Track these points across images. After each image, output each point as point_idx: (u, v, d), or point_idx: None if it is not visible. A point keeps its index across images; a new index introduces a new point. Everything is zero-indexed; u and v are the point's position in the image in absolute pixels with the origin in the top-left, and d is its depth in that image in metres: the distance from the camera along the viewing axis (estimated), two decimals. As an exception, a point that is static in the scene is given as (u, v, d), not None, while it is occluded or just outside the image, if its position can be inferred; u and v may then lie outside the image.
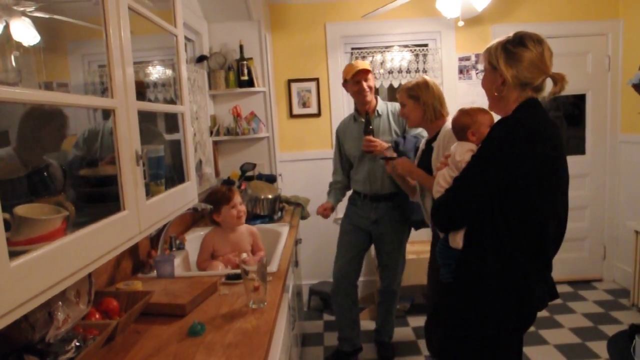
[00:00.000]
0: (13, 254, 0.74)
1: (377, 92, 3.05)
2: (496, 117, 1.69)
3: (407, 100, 2.37)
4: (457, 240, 1.59)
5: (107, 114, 1.22)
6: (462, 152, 1.61)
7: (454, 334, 1.65)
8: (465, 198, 1.54)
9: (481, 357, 1.61)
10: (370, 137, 2.65)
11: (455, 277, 1.61)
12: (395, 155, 2.47)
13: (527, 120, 1.47)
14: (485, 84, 1.64)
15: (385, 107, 2.86)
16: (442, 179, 1.65)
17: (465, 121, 1.71)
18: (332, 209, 3.02)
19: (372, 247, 3.08)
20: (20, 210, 0.84)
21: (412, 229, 2.92)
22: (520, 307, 1.54)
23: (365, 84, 2.75)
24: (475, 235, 1.54)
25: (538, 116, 1.51)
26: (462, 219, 1.56)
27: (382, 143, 2.65)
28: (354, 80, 2.77)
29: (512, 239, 1.48)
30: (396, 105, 2.85)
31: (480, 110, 1.73)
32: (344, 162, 3.01)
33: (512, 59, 1.52)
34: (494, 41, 1.60)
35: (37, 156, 1.01)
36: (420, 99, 2.31)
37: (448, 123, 2.20)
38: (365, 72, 2.74)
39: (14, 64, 0.97)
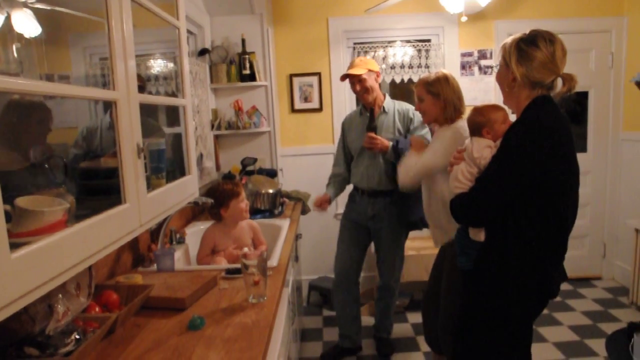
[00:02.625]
0: (14, 246, 0.74)
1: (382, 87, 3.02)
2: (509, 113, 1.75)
3: (425, 96, 2.28)
4: (479, 234, 1.65)
5: (106, 107, 1.22)
6: (480, 148, 1.64)
7: (474, 320, 1.73)
8: (492, 198, 1.57)
9: (499, 340, 1.69)
10: (372, 134, 2.64)
11: (477, 266, 1.67)
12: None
13: (546, 119, 1.52)
14: (499, 79, 1.69)
15: (392, 105, 2.84)
16: (462, 175, 1.67)
17: (479, 120, 1.74)
18: (330, 201, 2.97)
19: (373, 244, 3.08)
20: (22, 202, 0.83)
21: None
22: (539, 294, 1.64)
23: (358, 86, 2.75)
24: (498, 229, 1.60)
25: (551, 113, 1.55)
26: (488, 216, 1.61)
27: (383, 141, 2.64)
28: (350, 81, 2.79)
29: (533, 231, 1.55)
30: (404, 105, 2.85)
31: (492, 108, 1.76)
32: (347, 154, 3.00)
33: (523, 58, 1.55)
34: (511, 37, 1.63)
35: (22, 150, 0.99)
36: (441, 95, 2.23)
37: (447, 128, 2.21)
38: (353, 76, 2.74)
39: (15, 55, 0.97)
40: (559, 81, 1.59)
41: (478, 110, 1.78)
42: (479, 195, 1.61)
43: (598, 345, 3.01)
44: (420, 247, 3.64)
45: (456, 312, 1.86)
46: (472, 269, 1.69)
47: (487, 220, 1.63)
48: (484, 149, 1.63)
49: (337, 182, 3.03)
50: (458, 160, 1.73)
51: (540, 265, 1.60)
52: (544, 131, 1.49)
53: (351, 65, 2.79)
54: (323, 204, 2.94)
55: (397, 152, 2.61)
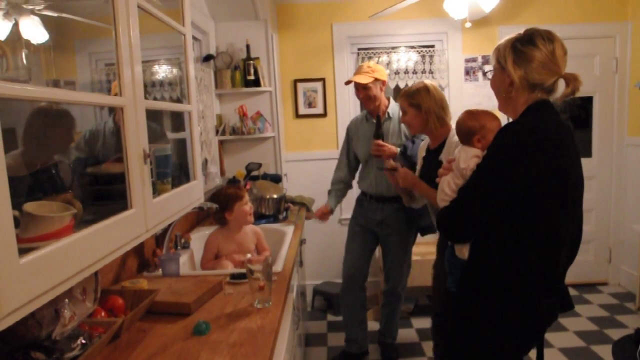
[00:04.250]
0: (22, 251, 0.74)
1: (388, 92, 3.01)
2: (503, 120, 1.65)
3: (408, 108, 2.26)
4: (464, 250, 1.52)
5: (110, 111, 1.23)
6: (467, 158, 1.52)
7: (455, 348, 1.56)
8: (474, 210, 1.42)
9: None
10: (380, 142, 2.62)
11: (459, 288, 1.53)
12: (396, 165, 2.37)
13: (537, 125, 1.37)
14: (494, 84, 1.55)
15: (397, 110, 2.82)
16: (447, 187, 1.54)
17: (472, 125, 1.60)
18: (331, 212, 3.01)
19: (378, 248, 3.07)
20: (30, 207, 0.84)
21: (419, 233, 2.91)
22: (525, 323, 1.44)
23: (361, 93, 2.76)
24: (480, 245, 1.45)
25: (548, 119, 1.40)
26: (471, 231, 1.46)
27: (391, 147, 2.63)
28: (354, 86, 2.80)
29: (518, 249, 1.39)
30: None
31: (488, 115, 1.63)
32: (351, 160, 3.01)
33: (521, 59, 1.42)
34: (505, 38, 1.50)
35: (45, 158, 1.01)
36: (422, 107, 2.20)
37: (453, 132, 2.13)
38: (357, 83, 2.74)
39: (24, 61, 0.98)
40: (561, 83, 1.45)
41: (472, 114, 1.64)
42: (460, 206, 1.46)
43: (604, 352, 2.99)
44: (425, 253, 3.63)
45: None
46: (455, 291, 1.55)
47: (469, 236, 1.47)
48: (471, 159, 1.50)
49: (339, 190, 3.05)
50: (447, 171, 1.59)
51: (526, 289, 1.42)
52: (533, 137, 1.34)
53: (358, 71, 2.79)
54: (323, 215, 2.98)
55: (406, 158, 2.60)
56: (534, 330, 1.49)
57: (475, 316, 1.48)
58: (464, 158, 1.52)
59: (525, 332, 1.47)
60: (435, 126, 2.21)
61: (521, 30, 1.49)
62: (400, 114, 2.78)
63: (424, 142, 2.42)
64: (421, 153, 2.38)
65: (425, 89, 2.22)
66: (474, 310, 1.48)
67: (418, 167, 2.37)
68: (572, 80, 1.42)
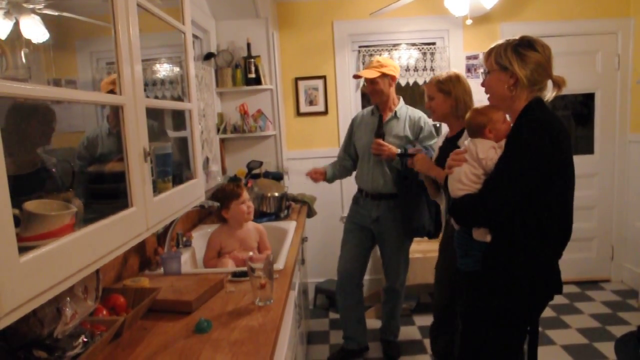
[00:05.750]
0: (22, 250, 0.74)
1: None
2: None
3: (436, 94, 2.33)
4: (485, 235, 1.65)
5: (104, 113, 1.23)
6: (485, 149, 1.63)
7: (482, 320, 1.72)
8: (507, 198, 1.58)
9: (507, 338, 1.71)
10: (380, 141, 2.65)
11: (485, 266, 1.68)
12: (417, 149, 2.47)
13: (552, 120, 1.57)
14: (493, 84, 1.69)
15: (405, 111, 2.84)
16: (465, 177, 1.65)
17: (482, 120, 1.72)
18: (323, 174, 3.00)
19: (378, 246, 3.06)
20: (30, 205, 0.84)
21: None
22: (547, 292, 1.68)
23: (369, 87, 2.81)
24: (506, 228, 1.61)
25: (552, 114, 1.61)
26: (500, 217, 1.61)
27: (391, 148, 2.64)
28: (365, 80, 2.83)
29: (541, 230, 1.59)
30: (416, 112, 2.85)
31: (492, 108, 1.75)
32: (351, 151, 3.02)
33: (524, 61, 1.61)
34: (499, 42, 1.68)
35: (28, 151, 0.99)
36: (452, 93, 2.29)
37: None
38: (366, 78, 2.78)
39: (24, 60, 0.98)
40: (549, 84, 1.67)
41: (479, 111, 1.77)
42: (494, 196, 1.60)
43: (607, 349, 2.99)
44: (427, 250, 3.63)
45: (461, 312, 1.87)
46: (478, 269, 1.70)
47: (499, 221, 1.62)
48: (488, 150, 1.63)
49: (338, 163, 3.08)
50: (460, 162, 1.70)
51: (548, 261, 1.64)
52: (553, 130, 1.54)
53: (368, 65, 2.82)
54: (316, 174, 2.99)
55: (404, 162, 2.59)
56: (552, 295, 1.72)
57: (505, 288, 1.66)
58: (482, 149, 1.65)
59: (547, 296, 1.71)
60: (461, 114, 2.26)
61: (521, 29, 1.70)
62: (409, 116, 2.80)
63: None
64: (439, 143, 2.44)
65: (456, 77, 2.33)
66: (503, 283, 1.66)
67: (434, 156, 2.42)
68: (561, 83, 1.66)
